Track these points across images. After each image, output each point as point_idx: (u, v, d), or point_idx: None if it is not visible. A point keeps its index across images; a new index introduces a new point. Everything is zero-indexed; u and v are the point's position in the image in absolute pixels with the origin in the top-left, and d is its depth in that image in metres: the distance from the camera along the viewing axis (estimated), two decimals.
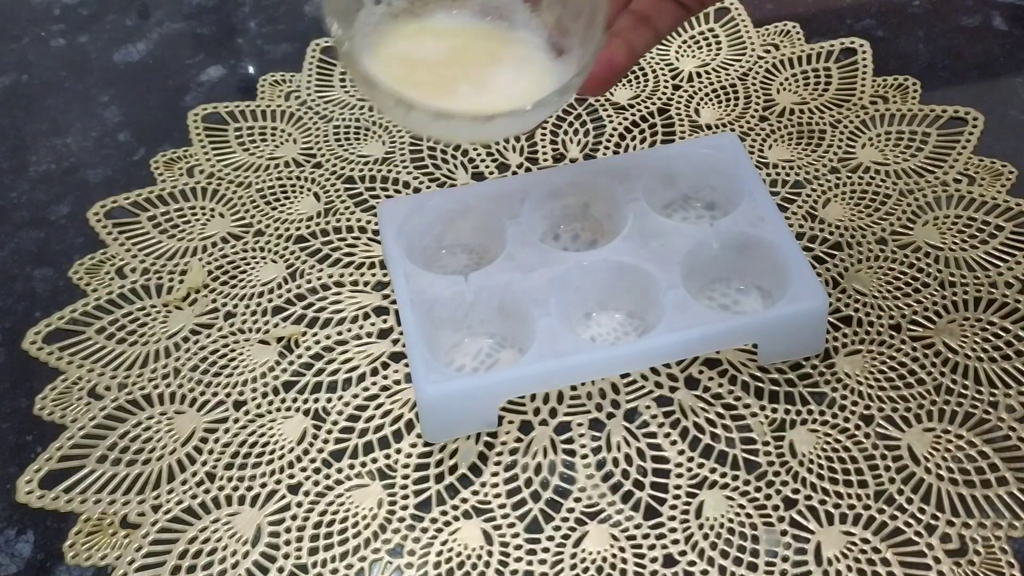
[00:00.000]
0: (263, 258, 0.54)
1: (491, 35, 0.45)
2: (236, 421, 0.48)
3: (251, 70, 0.65)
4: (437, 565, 0.42)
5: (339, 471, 0.46)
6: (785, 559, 0.42)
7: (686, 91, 0.61)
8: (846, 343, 0.49)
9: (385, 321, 0.51)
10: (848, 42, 0.63)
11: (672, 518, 0.43)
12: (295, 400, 0.48)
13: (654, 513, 0.44)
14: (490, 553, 0.43)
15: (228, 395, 0.49)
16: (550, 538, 0.43)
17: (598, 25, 0.41)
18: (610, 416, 0.47)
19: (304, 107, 0.62)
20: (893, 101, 0.60)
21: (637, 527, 0.43)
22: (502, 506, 0.44)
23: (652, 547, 0.43)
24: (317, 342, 0.50)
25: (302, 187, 0.58)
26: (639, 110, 0.60)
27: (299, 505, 0.45)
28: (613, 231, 0.51)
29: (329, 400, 0.48)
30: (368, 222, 0.56)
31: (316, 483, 0.45)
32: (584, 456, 0.46)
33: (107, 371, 0.50)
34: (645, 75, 0.62)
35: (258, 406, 0.48)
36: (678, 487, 0.44)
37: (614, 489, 0.44)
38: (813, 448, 0.45)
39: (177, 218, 0.57)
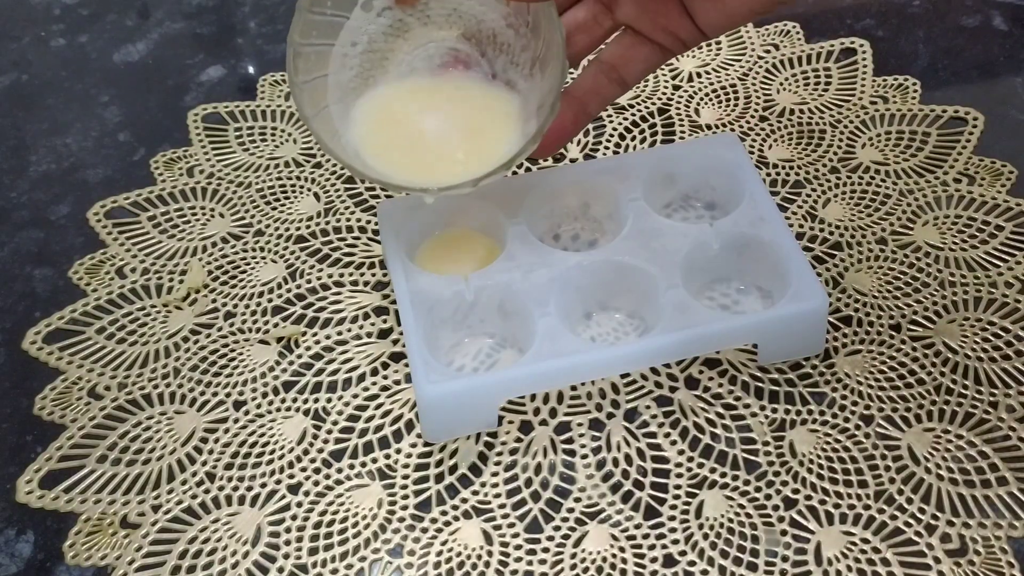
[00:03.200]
0: (263, 258, 0.54)
1: (453, 92, 0.48)
2: (236, 421, 0.48)
3: (251, 70, 0.65)
4: (437, 565, 0.42)
5: (339, 471, 0.46)
6: (785, 559, 0.42)
7: (686, 91, 0.61)
8: (846, 343, 0.49)
9: (385, 321, 0.51)
10: (848, 42, 0.63)
11: (672, 518, 0.43)
12: (295, 400, 0.48)
13: (654, 513, 0.44)
14: (490, 553, 0.43)
15: (228, 395, 0.49)
16: (550, 538, 0.43)
17: (551, 94, 0.44)
18: (610, 416, 0.47)
19: None
20: (893, 101, 0.60)
21: (637, 527, 0.43)
22: (502, 506, 0.44)
23: (652, 547, 0.43)
24: (317, 342, 0.50)
25: (302, 187, 0.58)
26: (639, 110, 0.60)
27: (299, 505, 0.45)
28: (613, 231, 0.51)
29: (329, 400, 0.48)
30: (368, 222, 0.56)
31: (316, 483, 0.45)
32: (584, 456, 0.46)
33: (107, 371, 0.50)
34: None
35: (258, 406, 0.48)
36: (678, 487, 0.44)
37: (614, 489, 0.44)
38: (813, 448, 0.45)
39: (177, 218, 0.57)
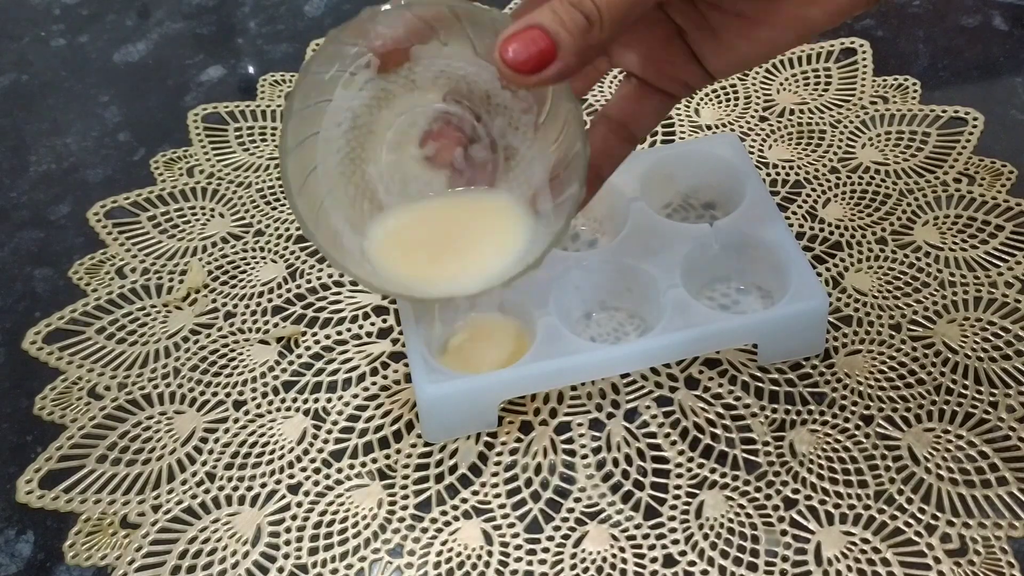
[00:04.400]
0: (263, 258, 0.54)
1: (464, 207, 0.45)
2: (236, 421, 0.48)
3: (251, 70, 0.65)
4: (437, 565, 0.42)
5: (339, 471, 0.46)
6: (785, 559, 0.42)
7: None
8: (846, 343, 0.49)
9: (385, 321, 0.51)
10: (848, 42, 0.63)
11: (672, 518, 0.43)
12: (295, 400, 0.48)
13: (654, 513, 0.44)
14: (490, 553, 0.43)
15: (228, 395, 0.49)
16: (550, 538, 0.43)
17: (575, 181, 0.41)
18: (610, 416, 0.47)
19: None
20: (893, 101, 0.60)
21: (637, 527, 0.43)
22: (502, 506, 0.44)
23: (652, 547, 0.42)
24: (317, 342, 0.50)
25: None
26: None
27: (299, 505, 0.44)
28: (613, 231, 0.51)
29: (329, 400, 0.48)
30: None
31: (316, 483, 0.45)
32: (584, 456, 0.46)
33: (107, 371, 0.50)
34: None
35: (258, 406, 0.48)
36: (678, 487, 0.44)
37: (614, 489, 0.44)
38: (813, 448, 0.45)
39: (177, 218, 0.57)
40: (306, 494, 0.45)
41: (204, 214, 0.57)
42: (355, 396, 0.48)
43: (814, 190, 0.55)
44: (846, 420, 0.46)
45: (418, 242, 0.44)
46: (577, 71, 0.36)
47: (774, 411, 0.47)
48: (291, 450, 0.46)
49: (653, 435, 0.46)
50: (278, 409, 0.48)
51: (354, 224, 0.43)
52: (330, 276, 0.53)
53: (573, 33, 0.35)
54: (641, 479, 0.45)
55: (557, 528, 0.43)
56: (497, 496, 0.44)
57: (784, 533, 0.43)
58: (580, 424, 0.47)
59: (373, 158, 0.44)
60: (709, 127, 0.59)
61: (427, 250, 0.44)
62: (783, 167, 0.57)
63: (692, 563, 0.42)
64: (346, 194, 0.43)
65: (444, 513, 0.44)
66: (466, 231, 0.44)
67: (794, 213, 0.54)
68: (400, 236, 0.44)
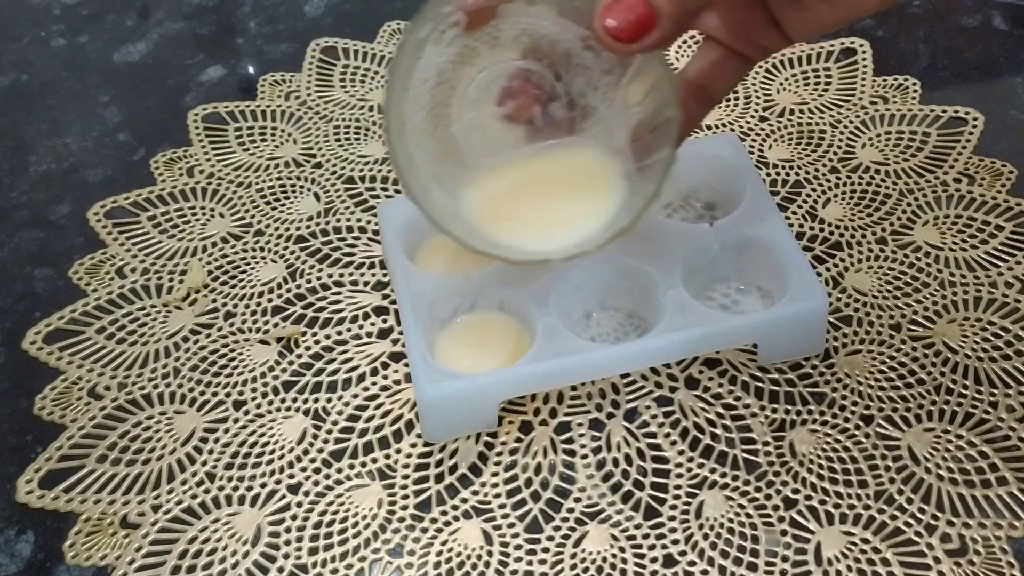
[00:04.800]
0: (263, 258, 0.54)
1: (555, 163, 0.45)
2: (236, 421, 0.48)
3: (251, 70, 0.65)
4: (437, 565, 0.42)
5: (339, 471, 0.46)
6: (785, 559, 0.42)
7: None
8: (846, 343, 0.49)
9: (385, 321, 0.51)
10: (848, 42, 0.63)
11: (672, 518, 0.43)
12: (295, 400, 0.48)
13: (654, 513, 0.44)
14: (490, 553, 0.43)
15: (228, 395, 0.49)
16: (550, 538, 0.43)
17: (666, 151, 0.41)
18: (610, 416, 0.47)
19: (304, 107, 0.62)
20: (893, 101, 0.60)
21: (637, 527, 0.43)
22: (502, 506, 0.44)
23: (652, 547, 0.43)
24: (317, 342, 0.50)
25: (302, 187, 0.58)
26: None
27: (299, 505, 0.45)
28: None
29: (329, 400, 0.48)
30: (368, 222, 0.56)
31: (316, 483, 0.45)
32: (584, 456, 0.46)
33: (107, 371, 0.50)
34: None
35: (258, 406, 0.48)
36: (678, 487, 0.44)
37: (614, 489, 0.44)
38: (813, 448, 0.45)
39: (177, 218, 0.57)
40: (306, 494, 0.45)
41: (204, 214, 0.57)
42: (355, 396, 0.48)
43: (814, 190, 0.55)
44: (846, 420, 0.46)
45: (512, 203, 0.44)
46: (676, 38, 0.36)
47: (774, 411, 0.47)
48: (291, 450, 0.46)
49: (653, 435, 0.46)
50: (278, 409, 0.48)
51: (441, 181, 0.44)
52: (330, 276, 0.53)
53: (672, 0, 0.35)
54: (641, 479, 0.45)
55: (557, 528, 0.43)
56: (497, 496, 0.44)
57: (784, 533, 0.43)
58: (580, 424, 0.47)
59: (456, 114, 0.44)
60: (709, 127, 0.59)
61: (521, 212, 0.44)
62: (783, 167, 0.57)
63: (692, 563, 0.42)
64: (432, 150, 0.44)
65: (444, 513, 0.44)
66: (558, 189, 0.45)
67: (794, 213, 0.54)
68: (493, 197, 0.44)
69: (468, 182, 0.44)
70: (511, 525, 0.43)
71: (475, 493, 0.45)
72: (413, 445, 0.46)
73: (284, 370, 0.49)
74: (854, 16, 0.40)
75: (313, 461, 0.46)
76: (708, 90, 0.44)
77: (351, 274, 0.53)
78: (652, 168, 0.42)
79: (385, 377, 0.49)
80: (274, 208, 0.57)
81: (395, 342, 0.50)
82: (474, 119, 0.44)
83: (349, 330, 0.51)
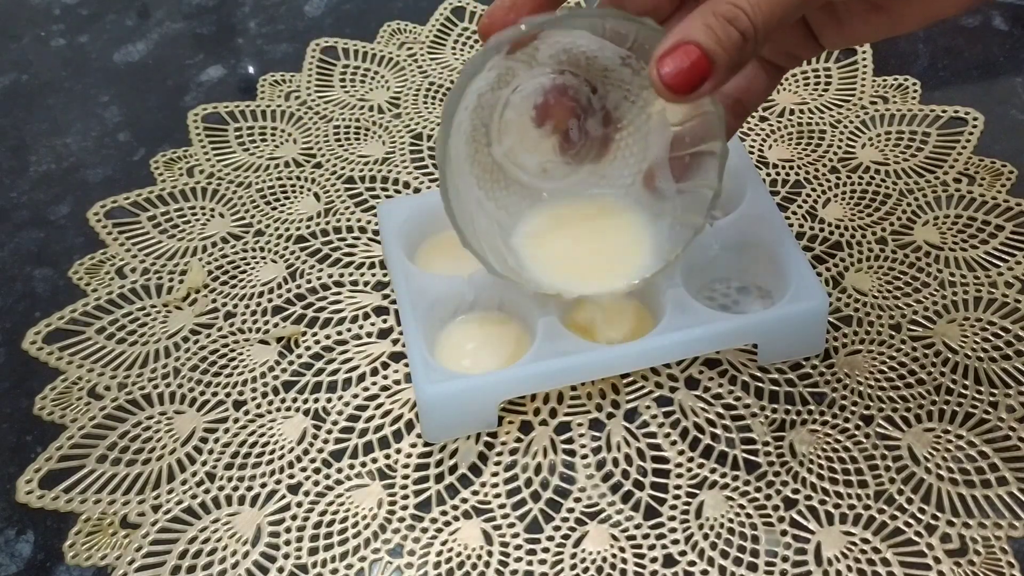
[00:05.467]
0: (263, 258, 0.54)
1: (596, 211, 0.46)
2: (236, 421, 0.48)
3: (251, 70, 0.65)
4: (437, 565, 0.42)
5: (339, 471, 0.46)
6: (785, 559, 0.42)
7: None
8: (846, 343, 0.49)
9: (385, 321, 0.51)
10: None
11: (672, 518, 0.43)
12: (295, 400, 0.48)
13: (654, 513, 0.44)
14: (490, 553, 0.43)
15: (228, 395, 0.49)
16: (550, 538, 0.43)
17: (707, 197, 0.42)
18: (610, 416, 0.47)
19: (304, 107, 0.62)
20: (893, 101, 0.60)
21: (637, 527, 0.43)
22: (502, 506, 0.44)
23: (652, 547, 0.43)
24: (317, 342, 0.50)
25: (302, 187, 0.58)
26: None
27: (299, 505, 0.44)
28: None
29: (329, 400, 0.48)
30: (368, 222, 0.56)
31: (316, 483, 0.45)
32: (584, 456, 0.46)
33: (107, 371, 0.50)
34: None
35: (258, 406, 0.48)
36: (678, 487, 0.44)
37: (614, 489, 0.44)
38: (813, 448, 0.45)
39: (177, 218, 0.57)
40: (306, 494, 0.45)
41: (204, 214, 0.57)
42: (355, 396, 0.48)
43: (814, 190, 0.55)
44: (846, 420, 0.46)
45: (556, 246, 0.46)
46: (727, 81, 0.36)
47: (774, 411, 0.47)
48: (291, 450, 0.46)
49: (653, 435, 0.46)
50: (278, 409, 0.48)
51: (483, 206, 0.44)
52: (330, 276, 0.53)
53: (728, 50, 0.35)
54: (641, 479, 0.45)
55: (557, 528, 0.43)
56: (497, 496, 0.44)
57: (784, 533, 0.43)
58: (580, 424, 0.47)
59: (495, 137, 0.44)
60: None
61: (566, 253, 0.46)
62: (783, 167, 0.57)
63: (692, 563, 0.42)
64: (472, 174, 0.44)
65: (444, 513, 0.44)
66: (601, 233, 0.46)
67: (794, 213, 0.54)
68: (538, 239, 0.46)
69: (511, 211, 0.46)
70: (511, 525, 0.43)
71: (475, 493, 0.45)
72: (413, 445, 0.46)
73: (284, 370, 0.49)
74: (891, 34, 0.41)
75: (313, 461, 0.46)
76: (743, 102, 0.44)
77: (351, 274, 0.53)
78: (695, 197, 0.43)
79: (385, 377, 0.49)
80: (274, 208, 0.57)
81: (395, 342, 0.50)
82: (511, 134, 0.44)
83: (349, 330, 0.51)
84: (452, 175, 0.42)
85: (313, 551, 0.43)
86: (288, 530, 0.44)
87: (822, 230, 0.54)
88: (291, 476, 0.45)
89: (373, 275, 0.53)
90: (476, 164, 0.44)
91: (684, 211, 0.44)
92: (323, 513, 0.44)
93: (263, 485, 0.45)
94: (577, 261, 0.46)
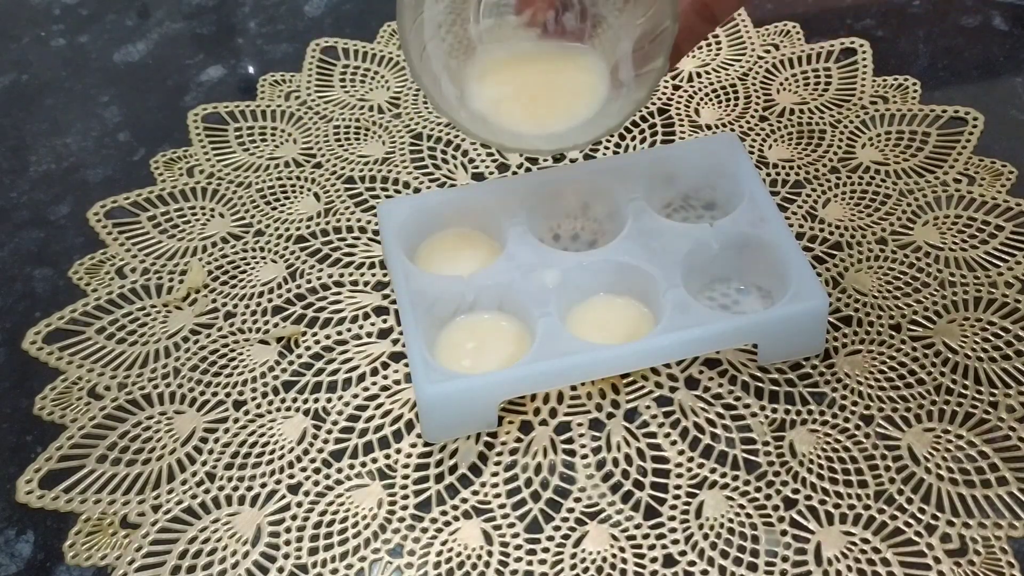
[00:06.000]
0: (263, 258, 0.54)
1: (558, 63, 0.48)
2: (236, 421, 0.48)
3: (251, 70, 0.65)
4: (437, 565, 0.42)
5: (339, 471, 0.46)
6: (785, 559, 0.42)
7: (686, 91, 0.61)
8: (846, 343, 0.49)
9: (385, 321, 0.51)
10: (848, 42, 0.63)
11: (672, 518, 0.43)
12: (295, 400, 0.48)
13: (654, 513, 0.44)
14: (490, 553, 0.43)
15: (228, 395, 0.49)
16: (550, 538, 0.43)
17: (659, 58, 0.44)
18: (610, 416, 0.47)
19: (304, 107, 0.62)
20: (893, 101, 0.60)
21: (637, 527, 0.43)
22: (502, 506, 0.44)
23: (652, 547, 0.43)
24: (317, 342, 0.50)
25: (302, 187, 0.58)
26: (639, 110, 0.60)
27: (299, 505, 0.45)
28: (613, 231, 0.51)
29: (329, 400, 0.48)
30: (368, 222, 0.56)
31: (316, 483, 0.45)
32: (584, 456, 0.46)
33: (107, 371, 0.50)
34: None
35: (258, 406, 0.48)
36: (678, 487, 0.44)
37: (614, 489, 0.44)
38: (813, 448, 0.45)
39: (177, 218, 0.57)
40: (306, 494, 0.45)
41: (204, 214, 0.57)
42: (355, 396, 0.48)
43: (814, 190, 0.55)
44: (846, 420, 0.46)
45: (513, 92, 0.48)
46: None
47: (774, 411, 0.47)
48: (291, 450, 0.46)
49: (653, 435, 0.46)
50: (278, 409, 0.48)
51: (451, 72, 0.47)
52: (330, 276, 0.53)
53: None
54: (641, 479, 0.45)
55: (557, 528, 0.43)
56: (497, 496, 0.44)
57: (784, 533, 0.43)
58: (580, 424, 0.47)
59: (474, 16, 0.46)
60: (709, 127, 0.59)
61: (520, 102, 0.48)
62: (783, 167, 0.57)
63: (692, 563, 0.42)
64: (446, 42, 0.46)
65: (444, 513, 0.44)
66: (556, 85, 0.48)
67: (794, 213, 0.54)
68: (497, 88, 0.48)
69: (476, 77, 0.47)
70: (511, 525, 0.44)
71: (475, 493, 0.45)
72: (413, 445, 0.46)
73: (284, 370, 0.49)
74: None
75: (313, 461, 0.46)
76: (712, 8, 0.46)
77: (351, 274, 0.53)
78: (646, 76, 0.45)
79: (385, 377, 0.49)
80: (274, 208, 0.57)
81: (395, 342, 0.50)
82: (492, 24, 0.47)
83: (349, 330, 0.51)
84: (422, 35, 0.45)
85: (313, 551, 0.43)
86: (288, 530, 0.44)
87: (822, 230, 0.54)
88: (291, 476, 0.45)
89: (373, 275, 0.53)
90: (451, 33, 0.47)
91: (635, 89, 0.46)
92: (323, 513, 0.44)
93: (263, 485, 0.45)
94: (523, 96, 0.48)
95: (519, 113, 0.47)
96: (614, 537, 0.43)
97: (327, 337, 0.51)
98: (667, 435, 0.46)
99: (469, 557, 0.43)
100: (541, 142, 0.47)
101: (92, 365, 0.50)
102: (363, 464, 0.46)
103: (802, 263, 0.47)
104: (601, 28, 0.47)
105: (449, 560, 0.43)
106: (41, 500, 0.45)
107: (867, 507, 0.43)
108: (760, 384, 0.48)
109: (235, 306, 0.52)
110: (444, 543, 0.43)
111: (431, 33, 0.45)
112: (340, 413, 0.48)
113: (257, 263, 0.54)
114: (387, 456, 0.46)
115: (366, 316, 0.51)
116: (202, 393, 0.49)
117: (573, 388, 0.48)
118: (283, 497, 0.45)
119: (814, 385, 0.47)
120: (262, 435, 0.47)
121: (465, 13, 0.46)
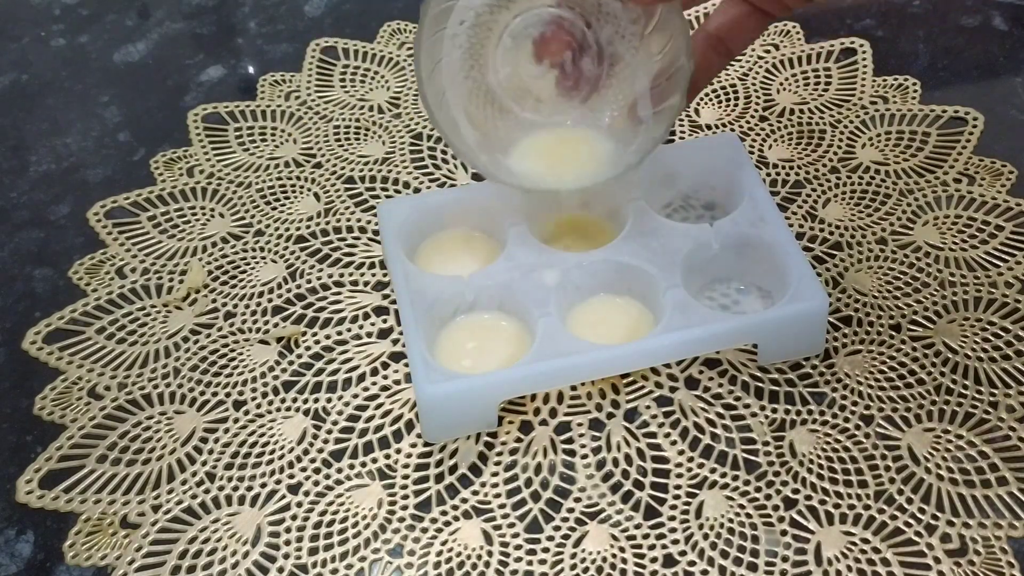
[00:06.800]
0: (263, 258, 0.54)
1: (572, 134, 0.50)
2: (236, 421, 0.48)
3: (251, 70, 0.65)
4: (437, 565, 0.42)
5: (339, 471, 0.46)
6: (785, 559, 0.42)
7: None
8: (846, 343, 0.49)
9: (385, 321, 0.51)
10: (848, 42, 0.63)
11: (672, 518, 0.43)
12: (295, 400, 0.48)
13: (654, 513, 0.44)
14: (490, 553, 0.43)
15: (228, 395, 0.49)
16: (550, 538, 0.43)
17: (675, 99, 0.46)
18: (610, 416, 0.47)
19: (304, 107, 0.62)
20: (893, 101, 0.60)
21: (637, 527, 0.43)
22: (502, 506, 0.44)
23: (652, 547, 0.43)
24: (317, 342, 0.50)
25: (302, 187, 0.58)
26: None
27: (299, 505, 0.45)
28: (613, 231, 0.51)
29: (329, 400, 0.48)
30: (368, 222, 0.56)
31: (316, 483, 0.45)
32: (584, 456, 0.46)
33: (107, 371, 0.50)
34: None
35: (258, 406, 0.48)
36: (678, 487, 0.44)
37: (614, 489, 0.44)
38: (813, 448, 0.45)
39: (177, 218, 0.57)
40: (306, 494, 0.45)
41: (204, 214, 0.57)
42: (355, 396, 0.48)
43: (814, 190, 0.56)
44: (846, 420, 0.46)
45: (533, 149, 0.49)
46: None
47: (774, 411, 0.47)
48: (291, 450, 0.46)
49: (653, 435, 0.46)
50: (278, 409, 0.48)
51: (470, 116, 0.47)
52: (330, 276, 0.53)
53: None
54: (641, 479, 0.45)
55: (557, 528, 0.43)
56: (497, 496, 0.44)
57: (784, 533, 0.43)
58: (580, 424, 0.47)
59: (490, 56, 0.47)
60: (709, 127, 0.59)
61: (542, 154, 0.49)
62: (783, 167, 0.57)
63: (692, 563, 0.42)
64: (464, 87, 0.47)
65: (444, 513, 0.44)
66: (574, 145, 0.49)
67: (794, 213, 0.54)
68: (521, 161, 0.49)
69: (498, 124, 0.48)
70: (511, 525, 0.44)
71: (475, 493, 0.45)
72: (413, 445, 0.46)
73: (284, 370, 0.49)
74: None
75: (313, 461, 0.46)
76: (727, 43, 0.46)
77: (351, 274, 0.53)
78: (664, 113, 0.46)
79: (385, 377, 0.49)
80: (274, 208, 0.57)
81: (395, 342, 0.50)
82: (507, 59, 0.47)
83: (349, 330, 0.51)
84: (439, 81, 0.46)
85: (313, 551, 0.43)
86: (288, 530, 0.44)
87: (822, 230, 0.54)
88: (291, 476, 0.45)
89: (373, 275, 0.53)
90: (469, 78, 0.47)
91: (652, 127, 0.47)
92: (323, 513, 0.44)
93: (263, 485, 0.45)
94: (545, 159, 0.49)
95: (540, 170, 0.48)
96: (614, 537, 0.43)
97: (327, 337, 0.51)
98: (667, 435, 0.46)
99: (469, 557, 0.43)
100: (562, 184, 0.48)
101: (92, 365, 0.50)
102: (363, 464, 0.46)
103: (802, 263, 0.47)
104: (619, 67, 0.47)
105: (449, 560, 0.43)
106: (41, 500, 0.45)
107: (867, 507, 0.43)
108: (760, 384, 0.48)
109: (235, 306, 0.52)
110: (444, 543, 0.43)
111: (451, 77, 0.46)
112: (340, 413, 0.48)
113: (257, 263, 0.54)
114: (387, 456, 0.46)
115: (366, 316, 0.51)
116: (202, 393, 0.49)
117: (573, 388, 0.48)
118: (283, 497, 0.45)
119: (814, 385, 0.47)
120: (262, 435, 0.47)
121: (483, 54, 0.46)
